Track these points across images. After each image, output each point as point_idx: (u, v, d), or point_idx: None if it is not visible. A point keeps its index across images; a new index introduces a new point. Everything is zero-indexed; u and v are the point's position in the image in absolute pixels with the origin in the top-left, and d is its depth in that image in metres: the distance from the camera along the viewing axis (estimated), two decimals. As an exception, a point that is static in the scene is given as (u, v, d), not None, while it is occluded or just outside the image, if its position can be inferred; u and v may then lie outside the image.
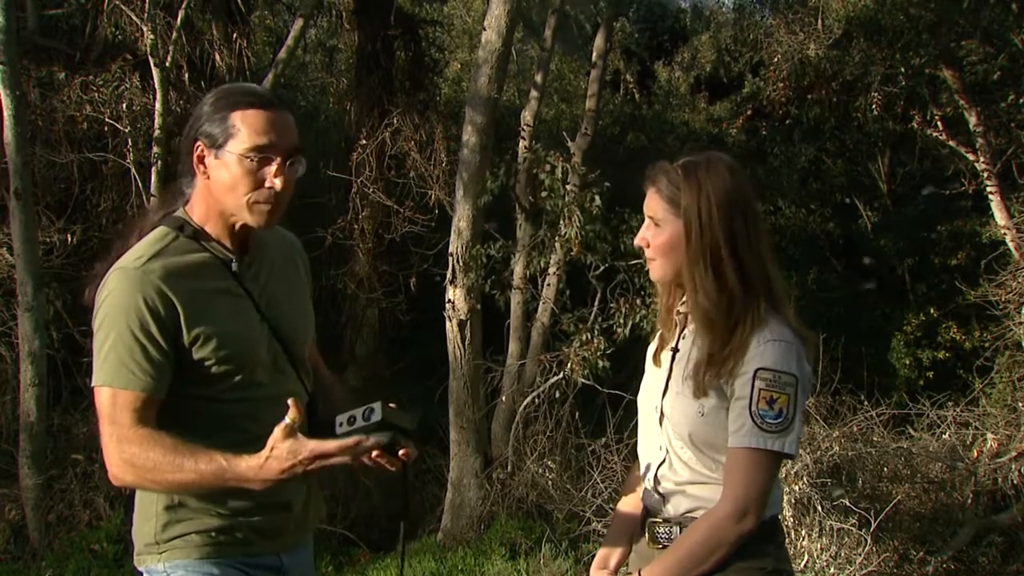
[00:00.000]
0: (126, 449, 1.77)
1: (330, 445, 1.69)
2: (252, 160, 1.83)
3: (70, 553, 5.89)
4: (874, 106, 9.28)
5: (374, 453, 1.75)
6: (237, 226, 1.91)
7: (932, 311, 10.70)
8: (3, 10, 5.83)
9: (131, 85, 7.53)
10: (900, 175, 12.87)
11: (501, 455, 6.62)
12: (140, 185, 7.32)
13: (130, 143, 7.44)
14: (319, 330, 2.16)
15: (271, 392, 1.88)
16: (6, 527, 6.18)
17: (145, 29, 7.05)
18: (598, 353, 5.87)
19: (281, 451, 1.69)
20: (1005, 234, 8.30)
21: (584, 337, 6.00)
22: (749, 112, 12.22)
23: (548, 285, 7.38)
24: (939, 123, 9.25)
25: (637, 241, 1.94)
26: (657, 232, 1.89)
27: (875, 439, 5.28)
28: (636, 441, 2.03)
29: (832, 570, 4.44)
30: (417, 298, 9.01)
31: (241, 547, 1.93)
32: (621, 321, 5.87)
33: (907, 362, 10.49)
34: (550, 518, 5.95)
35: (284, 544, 2.00)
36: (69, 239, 7.21)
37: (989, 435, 5.62)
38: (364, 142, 8.86)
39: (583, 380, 6.00)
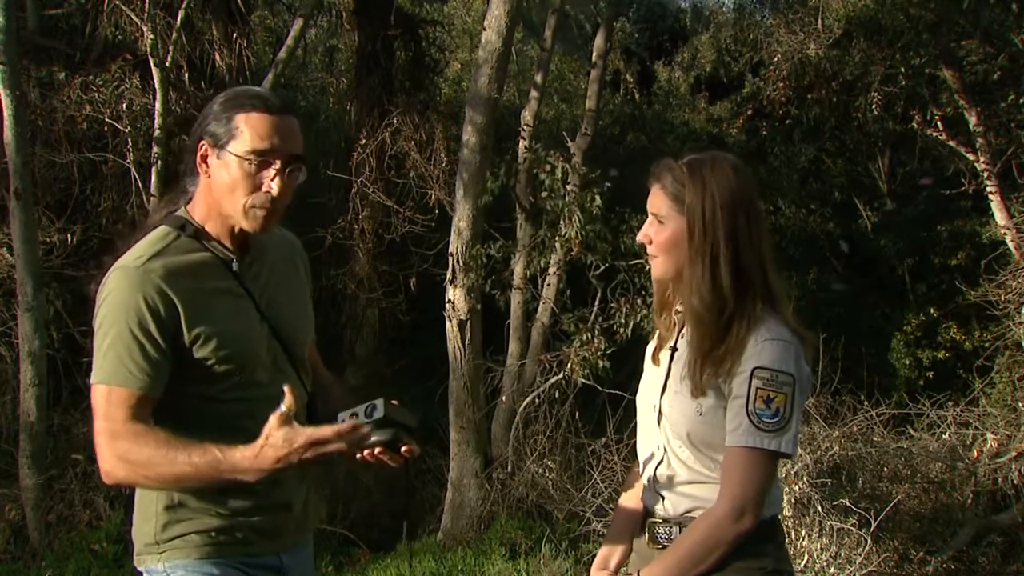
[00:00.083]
0: (119, 445, 1.76)
1: (326, 431, 1.68)
2: (251, 163, 1.83)
3: (70, 553, 5.90)
4: (874, 106, 9.27)
5: (377, 450, 1.74)
6: (237, 227, 1.91)
7: (932, 311, 10.70)
8: (3, 10, 5.83)
9: (131, 85, 7.53)
10: (900, 175, 12.87)
11: (501, 455, 6.62)
12: (140, 185, 7.32)
13: (130, 143, 7.44)
14: (319, 330, 2.17)
15: (271, 392, 1.87)
16: (6, 527, 6.18)
17: (145, 29, 7.05)
18: (598, 353, 5.87)
19: (277, 439, 1.67)
20: (1005, 234, 8.30)
21: (584, 337, 6.00)
22: (749, 112, 12.22)
23: (548, 285, 7.38)
24: (939, 123, 9.24)
25: (640, 238, 1.94)
26: (660, 229, 1.89)
27: (875, 439, 5.28)
28: (636, 441, 2.03)
29: (832, 570, 4.44)
30: (417, 298, 9.01)
31: (241, 547, 1.93)
32: (622, 321, 5.87)
33: (907, 362, 10.49)
34: (550, 518, 5.95)
35: (284, 544, 2.00)
36: (69, 239, 7.21)
37: (989, 435, 5.62)
38: (364, 142, 8.86)
39: (583, 380, 6.00)
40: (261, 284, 1.98)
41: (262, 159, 1.83)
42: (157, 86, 6.99)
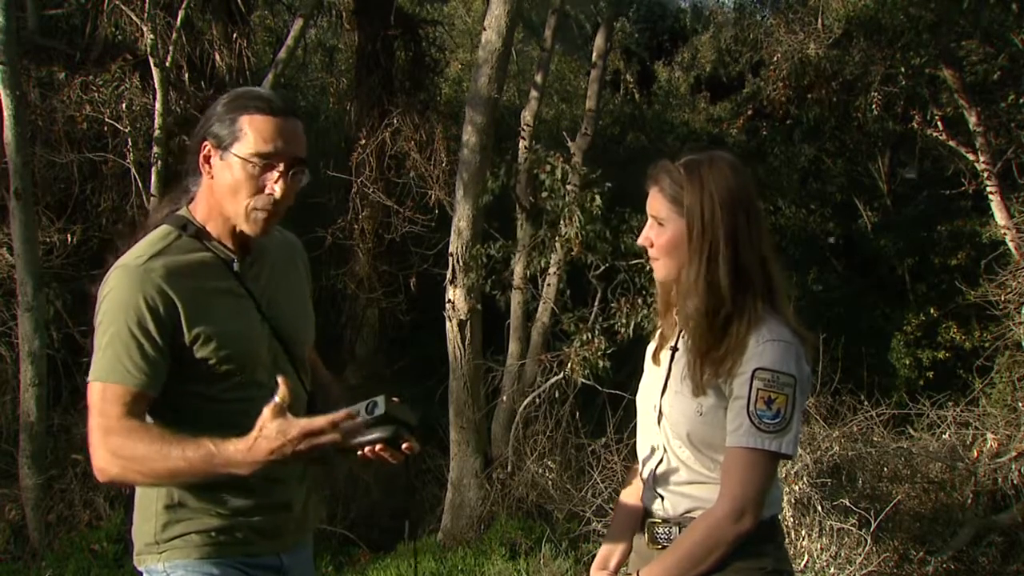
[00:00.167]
0: (112, 441, 1.75)
1: (319, 421, 1.66)
2: (255, 165, 1.83)
3: (70, 553, 5.90)
4: (874, 106, 9.28)
5: (378, 446, 1.74)
6: (238, 228, 1.91)
7: (932, 311, 10.71)
8: (3, 10, 5.83)
9: (131, 85, 7.53)
10: (900, 175, 12.88)
11: (501, 455, 6.62)
12: (140, 185, 7.33)
13: (130, 143, 7.44)
14: (319, 330, 2.16)
15: (271, 392, 1.88)
16: (6, 527, 6.18)
17: (145, 29, 7.06)
18: (599, 353, 5.87)
19: (270, 431, 1.66)
20: (1005, 234, 8.30)
21: (584, 337, 6.00)
22: (749, 112, 12.22)
23: (548, 285, 7.38)
24: (939, 123, 9.25)
25: (641, 241, 1.93)
26: (660, 231, 1.89)
27: (875, 439, 5.28)
28: (636, 441, 2.03)
29: (832, 570, 4.44)
30: (417, 298, 9.02)
31: (241, 547, 1.93)
32: (623, 321, 5.87)
33: (907, 362, 10.50)
34: (550, 518, 5.95)
35: (284, 544, 2.00)
36: (69, 239, 7.22)
37: (989, 435, 5.62)
38: (364, 142, 8.86)
39: (583, 380, 6.00)
40: (262, 284, 1.98)
41: (266, 162, 1.84)
42: (157, 86, 6.99)
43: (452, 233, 6.59)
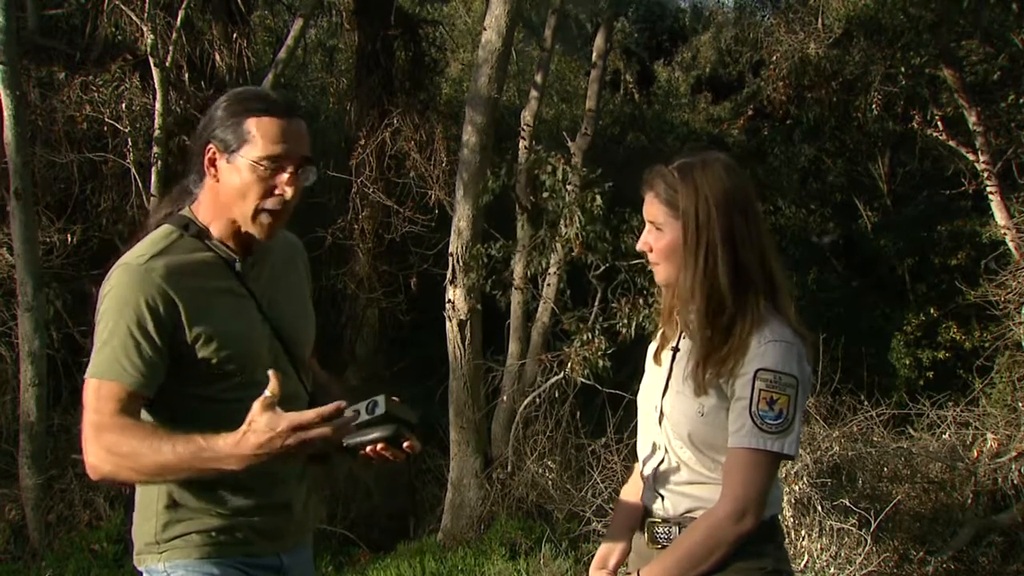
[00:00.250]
0: (105, 437, 1.74)
1: (308, 414, 1.63)
2: (265, 168, 1.84)
3: (70, 553, 5.90)
4: (874, 106, 9.28)
5: (379, 446, 1.74)
6: (242, 228, 1.91)
7: (932, 311, 10.70)
8: (3, 10, 5.83)
9: (131, 85, 7.53)
10: (900, 175, 12.87)
11: (501, 455, 6.62)
12: (140, 185, 7.33)
13: (130, 143, 7.44)
14: (319, 330, 2.16)
15: (271, 392, 1.88)
16: (6, 527, 6.18)
17: (145, 29, 7.06)
18: (599, 353, 5.87)
19: (259, 425, 1.64)
20: (1005, 234, 8.30)
21: (585, 337, 6.00)
22: (750, 112, 12.22)
23: (548, 285, 7.38)
24: (939, 123, 9.24)
25: (640, 246, 1.94)
26: (659, 236, 1.89)
27: (875, 439, 5.28)
28: (636, 441, 2.03)
29: (832, 570, 4.44)
30: (417, 298, 9.01)
31: (241, 547, 1.93)
32: (624, 321, 5.87)
33: (907, 362, 10.49)
34: (550, 518, 5.95)
35: (284, 544, 2.00)
36: (69, 239, 7.22)
37: (989, 435, 5.62)
38: (364, 142, 8.86)
39: (583, 380, 6.00)
40: (263, 284, 1.97)
41: (276, 164, 1.84)
42: (157, 86, 6.99)
43: (452, 233, 6.59)
